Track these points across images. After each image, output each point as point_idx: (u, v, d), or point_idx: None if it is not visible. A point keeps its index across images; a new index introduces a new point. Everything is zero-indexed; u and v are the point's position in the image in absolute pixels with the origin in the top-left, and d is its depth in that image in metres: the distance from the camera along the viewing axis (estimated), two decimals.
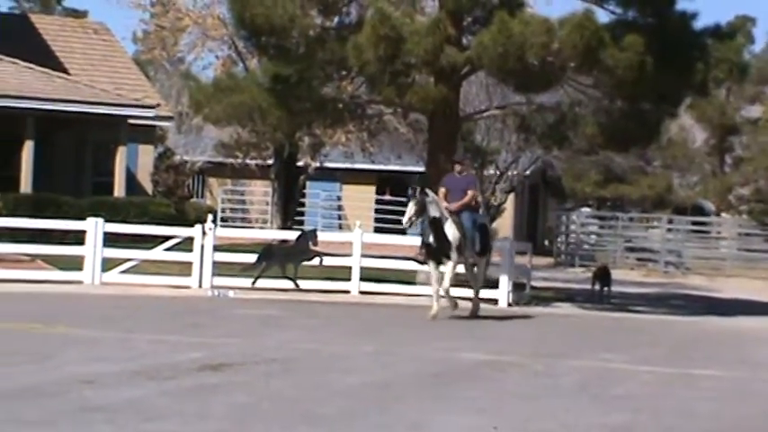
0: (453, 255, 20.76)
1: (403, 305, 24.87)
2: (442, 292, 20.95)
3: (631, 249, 50.72)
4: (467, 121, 32.34)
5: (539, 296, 28.49)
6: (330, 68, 27.15)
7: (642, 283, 38.98)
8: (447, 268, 20.78)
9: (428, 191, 21.02)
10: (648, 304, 31.02)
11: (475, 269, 22.32)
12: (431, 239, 20.80)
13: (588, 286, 31.36)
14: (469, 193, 21.55)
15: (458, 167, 22.15)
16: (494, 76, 27.46)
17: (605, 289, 30.56)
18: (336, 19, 27.21)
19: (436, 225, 20.69)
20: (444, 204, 21.04)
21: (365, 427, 10.20)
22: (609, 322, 24.76)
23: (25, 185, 32.64)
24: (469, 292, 22.60)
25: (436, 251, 20.83)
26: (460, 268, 21.90)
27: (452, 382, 13.40)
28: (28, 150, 32.68)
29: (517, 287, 27.15)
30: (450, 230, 20.74)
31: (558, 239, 52.93)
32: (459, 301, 21.80)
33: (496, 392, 12.71)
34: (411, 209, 20.67)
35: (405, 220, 20.84)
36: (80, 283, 24.77)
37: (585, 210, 57.09)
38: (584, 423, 11.03)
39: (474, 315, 21.81)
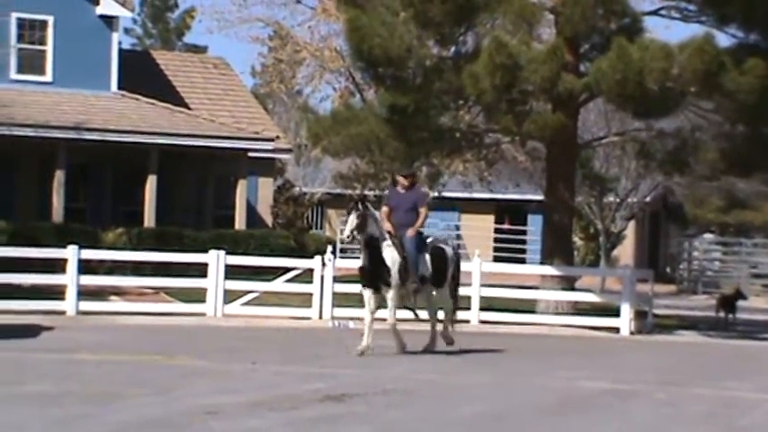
0: (393, 281, 18.03)
1: (523, 334, 24.76)
2: (388, 327, 18.49)
3: (757, 276, 49.85)
4: (585, 149, 32.15)
5: (661, 324, 28.14)
6: (447, 98, 27.20)
7: None
8: (388, 298, 18.25)
9: (369, 205, 18.46)
10: None
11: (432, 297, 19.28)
12: (366, 263, 18.14)
13: (712, 313, 30.91)
14: (422, 211, 18.60)
15: (402, 181, 19.02)
16: (612, 102, 27.26)
17: (731, 316, 30.11)
18: (453, 48, 27.25)
19: (373, 246, 18.01)
20: (387, 225, 18.33)
21: None
22: (734, 350, 24.38)
23: (148, 219, 33.16)
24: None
25: (372, 276, 18.15)
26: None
27: (572, 412, 13.32)
28: (151, 185, 33.21)
29: (639, 315, 26.86)
30: (389, 253, 18.04)
31: (681, 266, 52.25)
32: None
33: (618, 422, 12.60)
34: (352, 222, 17.81)
35: (345, 233, 18.08)
36: (203, 315, 25.05)
37: (708, 236, 56.23)
38: None
39: (430, 349, 19.13)
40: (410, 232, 18.24)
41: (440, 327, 19.27)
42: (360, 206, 17.94)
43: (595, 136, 33.43)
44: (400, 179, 19.11)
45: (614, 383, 16.00)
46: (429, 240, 18.98)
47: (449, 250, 19.19)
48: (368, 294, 18.24)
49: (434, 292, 18.97)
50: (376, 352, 18.37)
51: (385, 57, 25.98)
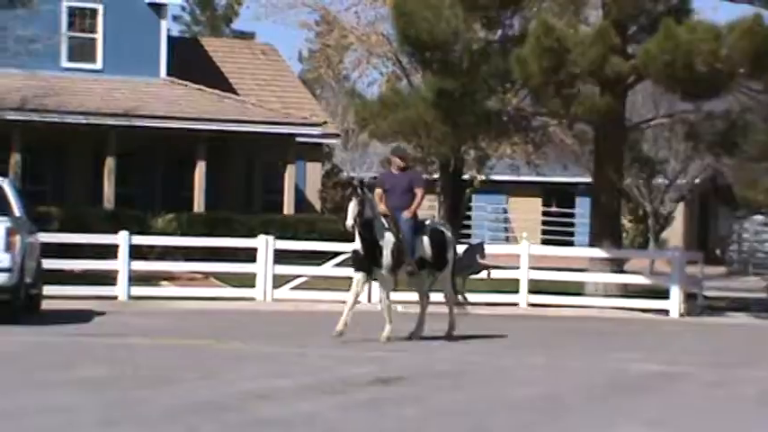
0: (386, 262, 17.47)
1: (572, 317, 24.72)
2: (383, 307, 18.02)
3: None
4: (633, 131, 32.02)
5: (711, 306, 28.01)
6: (494, 81, 27.17)
7: None
8: (381, 280, 17.90)
9: (366, 189, 17.76)
10: None
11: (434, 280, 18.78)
12: (359, 245, 17.53)
13: (764, 295, 30.74)
14: (418, 192, 18.04)
15: (397, 162, 18.45)
16: (660, 84, 27.15)
17: None
18: (500, 32, 27.22)
19: (368, 229, 17.33)
20: (382, 208, 17.76)
21: None
22: None
23: (198, 205, 33.33)
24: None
25: (365, 259, 17.55)
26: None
27: (623, 394, 13.28)
28: (200, 170, 33.37)
29: (689, 297, 26.76)
30: (384, 235, 17.46)
31: (731, 248, 51.97)
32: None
33: (669, 404, 12.55)
34: (354, 209, 17.15)
35: (349, 222, 17.26)
36: (252, 299, 25.17)
37: (759, 217, 55.84)
38: None
39: (450, 334, 18.58)
40: (406, 214, 17.72)
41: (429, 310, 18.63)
42: (359, 191, 17.29)
43: (644, 118, 33.28)
44: (395, 160, 18.53)
45: (664, 365, 15.94)
46: (427, 223, 18.51)
47: (447, 233, 18.65)
48: (358, 277, 17.62)
49: (437, 276, 18.41)
50: (424, 335, 18.39)
51: (431, 41, 25.99)
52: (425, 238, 17.94)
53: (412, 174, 18.61)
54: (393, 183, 18.05)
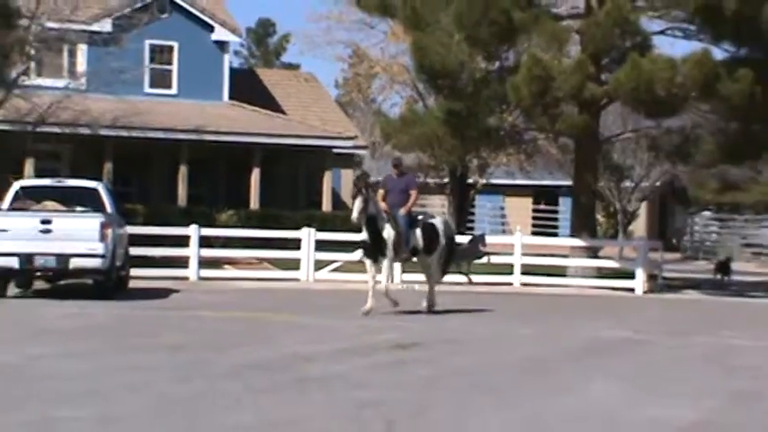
0: (389, 252, 17.27)
1: (556, 294, 24.67)
2: (381, 288, 17.54)
3: (747, 245, 49.24)
4: (606, 143, 31.93)
5: (669, 285, 27.92)
6: (493, 103, 27.14)
7: (757, 273, 37.79)
8: (383, 266, 17.50)
9: (370, 189, 17.52)
10: (764, 291, 30.07)
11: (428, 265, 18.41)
12: (366, 238, 17.39)
13: (711, 276, 30.61)
14: (412, 193, 17.79)
15: (394, 169, 18.37)
16: (628, 105, 27.09)
17: (726, 278, 29.78)
18: (497, 63, 27.17)
19: (372, 223, 17.20)
20: (383, 205, 17.55)
21: (528, 393, 10.17)
22: (730, 306, 24.11)
23: (253, 203, 33.36)
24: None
25: (372, 249, 17.37)
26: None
27: (597, 356, 13.26)
28: (255, 175, 33.40)
29: (651, 278, 26.66)
30: (386, 229, 17.27)
31: (685, 238, 51.77)
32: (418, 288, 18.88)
33: (635, 363, 12.52)
34: (359, 205, 17.02)
35: (355, 215, 17.11)
36: (297, 280, 25.19)
37: (707, 213, 55.57)
38: (711, 387, 10.79)
39: (430, 309, 18.10)
40: (402, 210, 17.52)
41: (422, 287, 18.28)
42: (364, 191, 17.06)
43: (614, 133, 33.18)
44: (393, 168, 18.41)
45: (630, 333, 15.90)
46: (420, 218, 18.09)
47: (438, 224, 18.23)
48: (368, 263, 17.49)
49: (428, 259, 18.07)
50: (436, 309, 18.35)
51: (443, 70, 25.98)
52: (418, 231, 17.71)
53: (408, 178, 18.44)
54: (392, 185, 17.93)
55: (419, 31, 26.35)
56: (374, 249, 17.31)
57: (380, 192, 17.88)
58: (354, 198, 17.35)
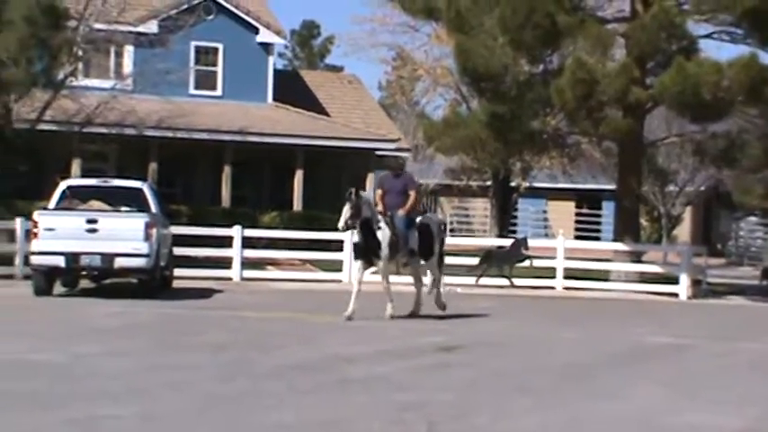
0: (384, 254, 16.58)
1: (599, 298, 24.54)
2: (384, 290, 17.06)
3: None
4: (650, 147, 31.71)
5: (713, 290, 27.68)
6: (537, 106, 27.04)
7: None
8: (379, 268, 16.92)
9: (362, 193, 17.11)
10: None
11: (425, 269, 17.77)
12: (360, 239, 16.83)
13: (756, 282, 30.31)
14: (411, 194, 17.08)
15: (392, 169, 17.82)
16: (673, 109, 26.85)
17: None
18: (541, 67, 27.07)
19: (367, 225, 16.59)
20: (380, 208, 16.92)
21: (568, 396, 10.14)
22: None
23: (297, 205, 33.47)
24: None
25: (365, 251, 16.78)
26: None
27: (640, 361, 13.19)
28: (299, 177, 33.51)
29: (695, 283, 26.46)
30: (381, 230, 16.63)
31: (729, 243, 51.32)
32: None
33: (679, 369, 12.44)
34: (346, 212, 16.47)
35: (341, 224, 16.60)
36: (340, 281, 25.24)
37: (752, 218, 55.04)
38: (756, 395, 10.70)
39: (416, 313, 17.45)
40: (401, 212, 16.85)
41: (425, 290, 17.68)
42: (352, 198, 16.46)
43: (659, 137, 32.94)
44: (390, 168, 17.59)
45: (673, 338, 15.79)
46: (418, 219, 17.38)
47: (434, 227, 17.59)
48: (359, 266, 16.88)
49: (423, 263, 17.44)
50: (478, 312, 18.32)
51: (486, 73, 25.92)
52: (415, 233, 17.07)
53: (406, 177, 17.59)
54: (390, 185, 17.26)
55: (463, 34, 26.31)
56: (368, 251, 16.71)
57: (378, 192, 17.38)
58: (343, 205, 16.72)
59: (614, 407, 9.67)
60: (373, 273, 17.65)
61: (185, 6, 33.30)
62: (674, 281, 26.02)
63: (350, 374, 10.89)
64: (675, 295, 25.54)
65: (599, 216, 48.75)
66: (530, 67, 26.99)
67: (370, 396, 9.68)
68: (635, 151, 28.05)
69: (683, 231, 46.46)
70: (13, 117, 26.37)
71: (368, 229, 16.60)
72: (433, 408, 9.15)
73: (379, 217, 16.72)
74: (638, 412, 9.43)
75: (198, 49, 34.42)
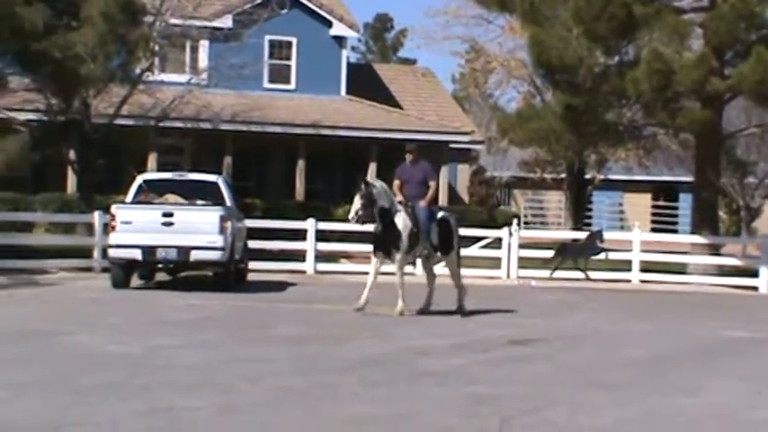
0: (403, 245, 16.08)
1: (676, 292, 24.29)
2: (397, 284, 16.43)
3: None
4: (729, 138, 31.28)
5: None
6: (612, 98, 26.80)
7: None
8: (397, 260, 16.28)
9: (375, 183, 16.69)
10: None
11: (442, 264, 17.36)
12: (379, 230, 16.26)
13: None
14: (431, 184, 16.62)
15: (409, 157, 17.01)
16: (752, 99, 26.47)
17: None
18: (617, 58, 26.83)
19: (385, 216, 16.10)
20: (399, 198, 16.43)
21: (644, 391, 10.08)
22: None
23: None
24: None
25: (384, 242, 16.22)
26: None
27: (717, 356, 13.04)
28: (372, 169, 33.58)
29: None
30: (401, 221, 16.10)
31: None
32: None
33: (757, 364, 12.29)
34: (357, 203, 16.09)
35: (351, 215, 16.23)
36: (413, 274, 25.07)
37: None
38: None
39: (426, 310, 16.66)
40: (422, 203, 16.40)
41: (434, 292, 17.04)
42: (364, 188, 16.11)
43: (737, 128, 32.46)
44: (408, 155, 17.02)
45: (752, 333, 15.59)
46: (440, 214, 16.98)
47: (452, 221, 17.04)
48: (376, 259, 16.35)
49: (440, 258, 16.94)
50: (554, 305, 18.24)
51: (561, 65, 25.75)
52: (436, 227, 16.60)
53: (424, 166, 16.99)
54: (409, 175, 16.77)
55: (537, 25, 26.18)
56: (386, 242, 16.17)
57: (396, 183, 16.80)
58: (354, 196, 16.35)
59: (691, 402, 9.58)
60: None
61: (259, 1, 33.56)
62: (755, 274, 25.63)
63: (423, 367, 10.93)
64: (755, 288, 25.16)
65: (676, 208, 48.17)
66: (605, 59, 26.75)
67: (444, 389, 9.71)
68: (713, 143, 27.69)
69: (763, 224, 45.67)
70: (91, 112, 26.82)
71: (387, 220, 16.10)
72: (506, 401, 9.15)
73: (399, 207, 16.22)
74: (715, 408, 9.35)
75: (272, 43, 34.67)
